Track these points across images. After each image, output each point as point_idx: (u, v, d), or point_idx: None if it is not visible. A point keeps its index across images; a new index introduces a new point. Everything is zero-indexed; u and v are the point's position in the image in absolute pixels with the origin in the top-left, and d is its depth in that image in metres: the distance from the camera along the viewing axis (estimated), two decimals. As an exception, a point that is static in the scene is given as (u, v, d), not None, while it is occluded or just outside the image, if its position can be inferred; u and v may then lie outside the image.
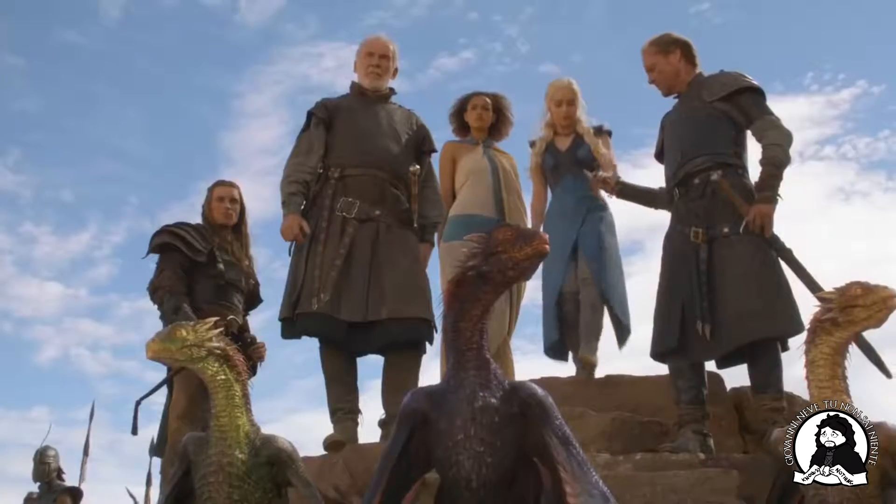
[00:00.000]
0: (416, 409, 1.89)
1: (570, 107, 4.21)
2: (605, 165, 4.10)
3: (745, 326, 3.14)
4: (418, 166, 3.69)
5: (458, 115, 4.43)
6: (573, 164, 4.18)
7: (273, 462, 2.37)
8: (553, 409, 1.85)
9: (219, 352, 2.33)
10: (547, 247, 1.77)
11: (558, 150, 4.24)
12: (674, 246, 3.37)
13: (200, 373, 2.35)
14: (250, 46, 14.88)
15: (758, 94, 3.37)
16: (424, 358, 3.61)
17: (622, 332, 4.06)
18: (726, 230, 3.23)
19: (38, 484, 5.66)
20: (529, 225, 4.20)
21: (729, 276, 3.19)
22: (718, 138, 3.34)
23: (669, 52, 3.51)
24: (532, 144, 4.34)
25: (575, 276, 4.07)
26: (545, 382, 3.48)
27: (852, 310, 2.19)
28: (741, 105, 3.34)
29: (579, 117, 4.23)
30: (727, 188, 3.24)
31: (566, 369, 4.14)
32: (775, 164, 3.23)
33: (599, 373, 3.98)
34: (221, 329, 2.39)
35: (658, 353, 3.38)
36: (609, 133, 4.34)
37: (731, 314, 3.15)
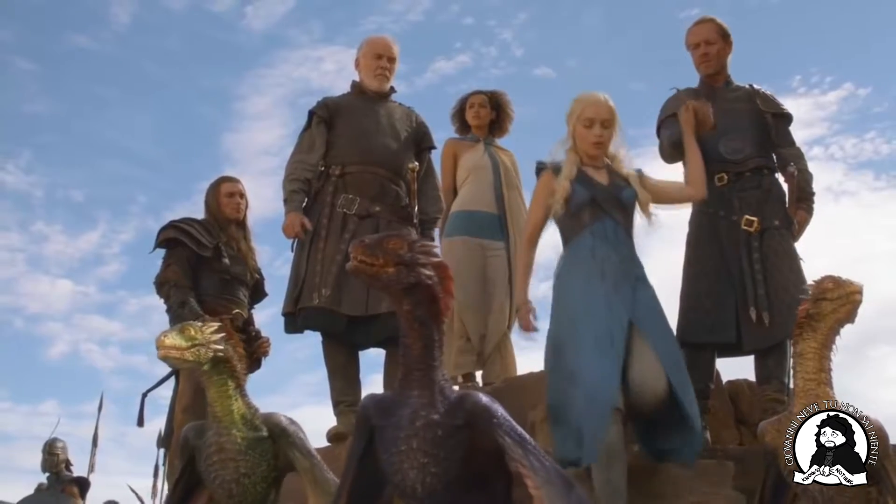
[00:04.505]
0: (366, 414, 1.94)
1: (605, 129, 2.96)
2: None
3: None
4: (417, 163, 3.74)
5: (460, 115, 4.47)
6: (614, 206, 2.92)
7: (273, 437, 2.43)
8: (498, 413, 1.85)
9: (221, 354, 2.37)
10: None
11: (595, 181, 2.95)
12: (719, 234, 3.41)
13: (196, 372, 2.41)
14: (254, 51, 15.11)
15: (791, 123, 3.64)
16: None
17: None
18: (777, 223, 3.39)
19: (46, 475, 5.74)
20: (518, 276, 3.11)
21: (785, 266, 3.32)
22: (769, 143, 3.57)
23: (728, 43, 3.65)
24: (541, 169, 3.06)
25: (626, 385, 2.67)
26: (545, 376, 3.51)
27: (821, 302, 2.26)
28: (778, 127, 3.59)
29: (617, 155, 3.05)
30: (793, 186, 3.45)
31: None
32: (810, 184, 3.53)
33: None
34: (224, 334, 2.42)
35: (701, 343, 3.34)
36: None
37: (786, 302, 3.20)
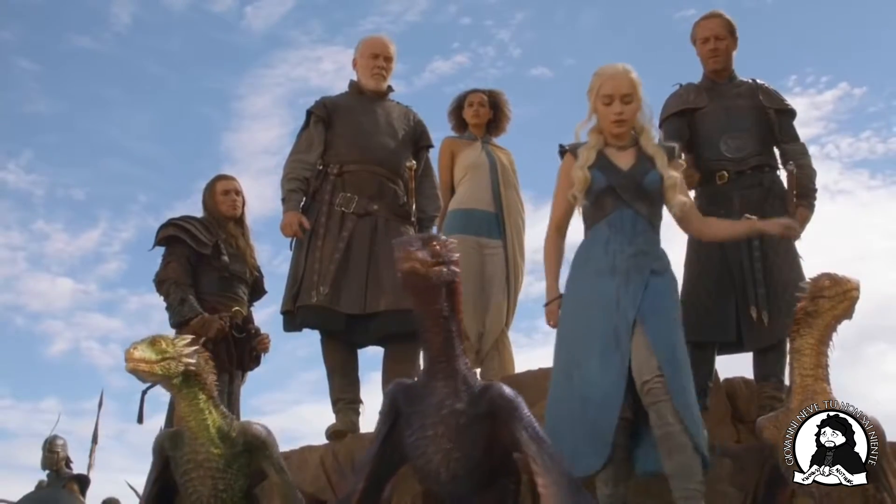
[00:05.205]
0: (395, 399, 2.04)
1: (625, 105, 2.74)
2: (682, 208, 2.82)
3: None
4: (415, 162, 3.76)
5: (457, 113, 4.47)
6: (635, 195, 2.71)
7: (250, 449, 2.40)
8: (521, 407, 1.96)
9: (193, 369, 2.30)
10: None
11: (615, 166, 2.74)
12: None
13: (164, 386, 2.35)
14: (253, 51, 15.22)
15: (794, 118, 3.64)
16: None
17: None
18: None
19: (46, 472, 5.75)
20: (546, 268, 2.89)
21: (785, 265, 3.34)
22: (771, 140, 3.58)
23: (735, 39, 3.66)
24: (563, 151, 2.88)
25: (631, 393, 2.52)
26: (543, 374, 3.52)
27: (819, 300, 2.28)
28: (781, 122, 3.59)
29: (643, 125, 2.81)
30: (792, 184, 3.44)
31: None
32: (812, 180, 3.54)
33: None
34: (197, 347, 2.38)
35: (701, 342, 3.32)
36: (681, 157, 3.02)
37: (787, 301, 3.19)
